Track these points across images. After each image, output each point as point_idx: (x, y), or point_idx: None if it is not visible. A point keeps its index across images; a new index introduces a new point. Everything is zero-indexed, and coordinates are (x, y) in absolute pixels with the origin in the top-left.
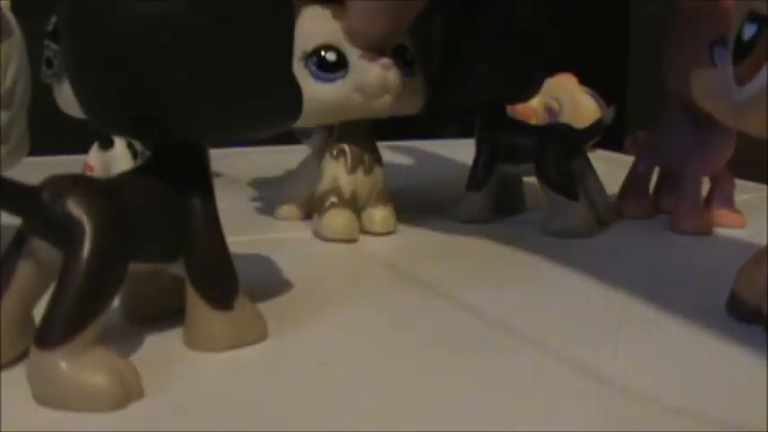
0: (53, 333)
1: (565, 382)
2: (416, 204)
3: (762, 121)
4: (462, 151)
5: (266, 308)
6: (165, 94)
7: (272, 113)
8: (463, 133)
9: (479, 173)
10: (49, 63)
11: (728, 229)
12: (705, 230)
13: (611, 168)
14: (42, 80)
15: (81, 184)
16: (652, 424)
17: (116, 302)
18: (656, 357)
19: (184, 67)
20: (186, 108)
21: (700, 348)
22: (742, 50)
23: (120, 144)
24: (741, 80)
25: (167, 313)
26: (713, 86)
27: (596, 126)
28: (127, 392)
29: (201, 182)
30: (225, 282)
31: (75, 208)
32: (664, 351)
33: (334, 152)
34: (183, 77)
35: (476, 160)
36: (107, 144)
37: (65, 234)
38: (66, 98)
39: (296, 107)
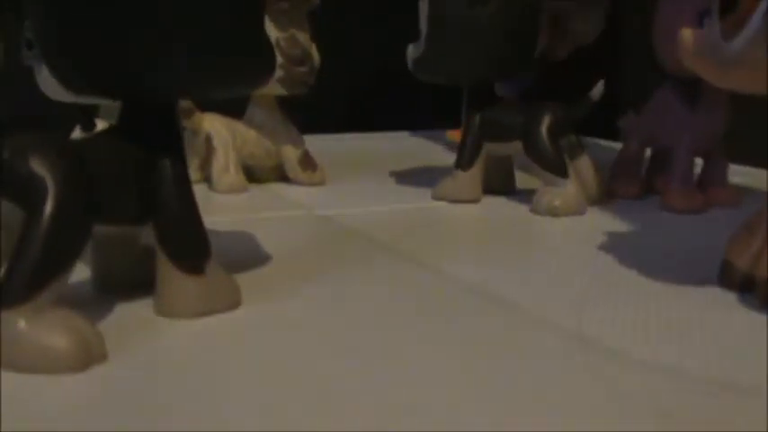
0: (13, 292)
1: (549, 345)
2: (406, 185)
3: (748, 76)
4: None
5: (243, 279)
6: (136, 47)
7: (244, 70)
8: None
9: (467, 152)
10: (30, 45)
11: (722, 207)
12: (697, 209)
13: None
14: (24, 63)
15: (44, 142)
16: (640, 384)
17: (89, 274)
18: (643, 323)
19: (155, 20)
20: (156, 61)
21: (689, 314)
22: (729, 3)
23: (102, 126)
24: (727, 35)
25: (142, 286)
26: (700, 44)
27: (584, 102)
28: (88, 355)
29: (172, 142)
30: (195, 245)
31: (37, 166)
32: (652, 317)
33: None
34: (153, 29)
35: (463, 139)
36: (89, 126)
37: (27, 192)
38: (48, 80)
39: (268, 65)
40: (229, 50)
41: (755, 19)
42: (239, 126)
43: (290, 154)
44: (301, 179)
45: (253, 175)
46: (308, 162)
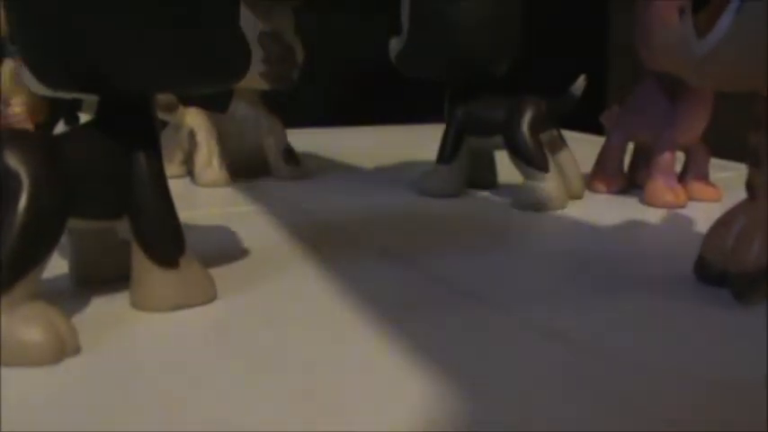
0: None
1: (527, 342)
2: (388, 179)
3: (720, 73)
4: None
5: (220, 272)
6: (108, 43)
7: (218, 66)
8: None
9: (449, 146)
10: (14, 39)
11: (703, 202)
12: (679, 204)
13: (590, 150)
14: (7, 56)
15: (19, 138)
16: (613, 379)
17: (66, 268)
18: (617, 317)
19: (126, 16)
20: (129, 56)
21: (664, 309)
22: (704, 0)
23: (86, 119)
24: (701, 31)
25: (119, 279)
26: (674, 41)
27: (566, 97)
28: (62, 347)
29: (147, 137)
30: (170, 239)
31: (12, 161)
32: (627, 312)
33: None
34: (127, 24)
35: (445, 133)
36: (73, 120)
37: (2, 187)
38: (28, 74)
39: (243, 61)
40: (203, 46)
41: (726, 16)
42: (222, 121)
43: (273, 148)
44: (284, 173)
45: (237, 170)
46: (290, 156)
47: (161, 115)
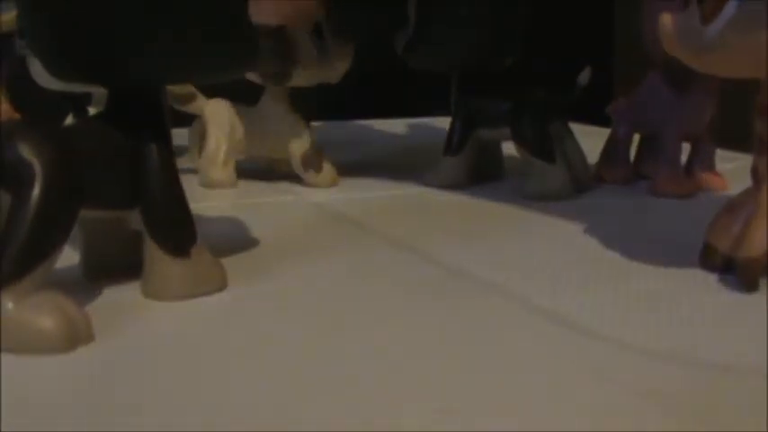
0: (1, 275)
1: (531, 327)
2: (396, 172)
3: (726, 60)
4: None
5: (230, 262)
6: (120, 35)
7: (228, 56)
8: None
9: (456, 138)
10: (23, 35)
11: (709, 192)
12: (685, 194)
13: (597, 142)
14: (17, 52)
15: (33, 128)
16: (619, 364)
17: (77, 260)
18: (624, 305)
19: (139, 6)
20: (139, 47)
21: (672, 296)
22: None
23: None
24: (706, 19)
25: (130, 269)
26: (680, 28)
27: (572, 88)
28: (75, 335)
29: (158, 128)
30: (181, 228)
31: (26, 151)
32: (633, 299)
33: None
34: (137, 15)
35: (452, 125)
36: (82, 114)
37: (16, 177)
38: (41, 69)
39: (252, 51)
40: (212, 36)
41: (731, 2)
42: (245, 115)
43: (295, 151)
44: (306, 178)
45: (269, 165)
46: (310, 161)
47: (181, 107)
